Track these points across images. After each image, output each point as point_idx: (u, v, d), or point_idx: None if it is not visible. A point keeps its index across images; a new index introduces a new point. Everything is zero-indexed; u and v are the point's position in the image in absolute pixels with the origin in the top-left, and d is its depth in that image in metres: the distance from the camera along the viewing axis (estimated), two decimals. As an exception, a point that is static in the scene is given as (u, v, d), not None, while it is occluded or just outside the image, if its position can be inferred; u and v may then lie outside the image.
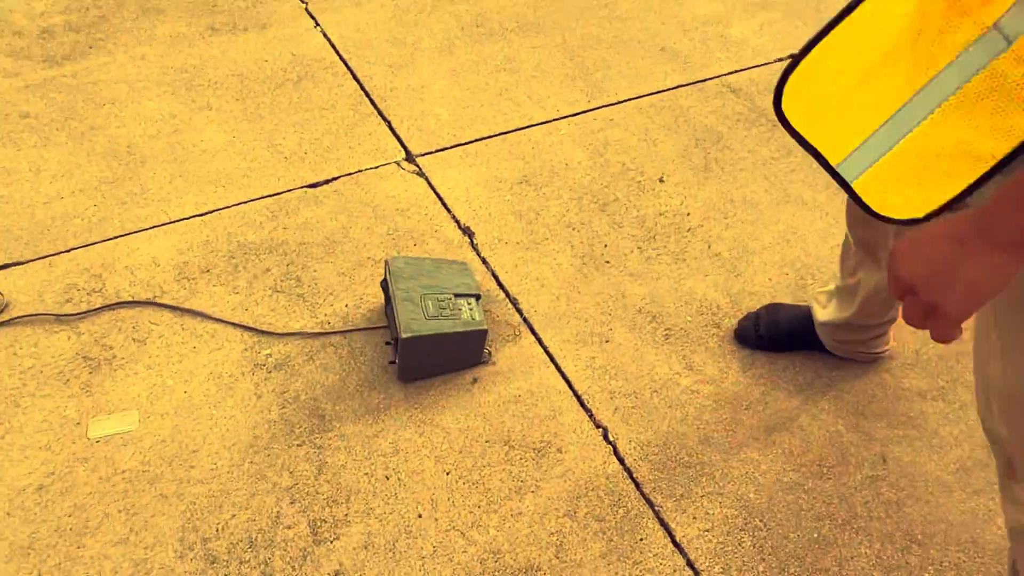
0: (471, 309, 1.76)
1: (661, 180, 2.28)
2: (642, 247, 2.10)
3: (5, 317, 1.89)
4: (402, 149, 2.37)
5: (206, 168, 2.27)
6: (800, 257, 2.08)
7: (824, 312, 1.76)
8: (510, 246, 2.10)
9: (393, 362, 1.79)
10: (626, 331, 1.91)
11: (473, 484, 1.63)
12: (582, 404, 1.77)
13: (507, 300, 1.97)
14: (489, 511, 1.59)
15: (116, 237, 2.09)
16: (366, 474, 1.64)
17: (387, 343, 1.86)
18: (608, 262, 2.06)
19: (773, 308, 1.90)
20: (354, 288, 1.98)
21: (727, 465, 1.67)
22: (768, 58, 2.72)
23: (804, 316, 1.84)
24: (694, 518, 1.59)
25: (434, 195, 2.23)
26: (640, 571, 1.51)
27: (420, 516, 1.58)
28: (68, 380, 1.78)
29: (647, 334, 1.90)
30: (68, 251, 2.05)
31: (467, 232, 2.13)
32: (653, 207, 2.21)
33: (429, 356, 1.76)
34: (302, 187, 2.24)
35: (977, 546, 1.56)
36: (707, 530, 1.57)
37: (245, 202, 2.19)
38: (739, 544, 1.56)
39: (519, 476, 1.65)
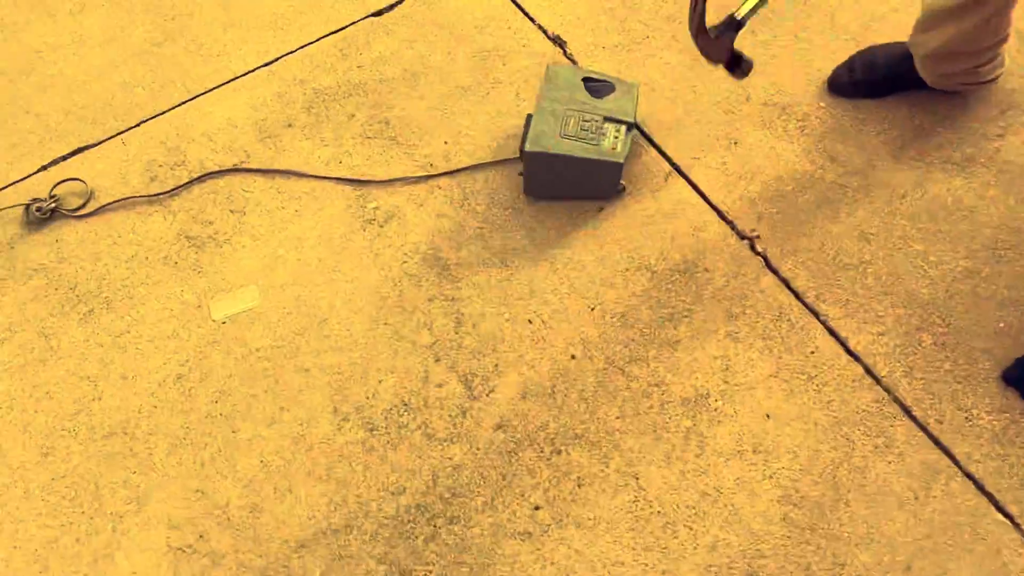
0: (616, 138, 1.59)
1: None
2: (755, 29, 1.88)
3: (93, 206, 1.78)
4: None
5: (258, 12, 2.06)
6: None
7: (928, 40, 1.54)
8: (609, 50, 1.89)
9: (522, 173, 1.66)
10: (755, 129, 1.73)
11: (621, 317, 1.54)
12: (721, 216, 1.63)
13: (619, 112, 1.79)
14: (644, 343, 1.51)
15: (184, 103, 1.93)
16: (507, 320, 1.56)
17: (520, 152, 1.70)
18: (721, 53, 1.85)
19: (869, 50, 1.74)
20: (449, 122, 1.82)
21: (892, 261, 1.54)
22: None
23: (903, 53, 1.64)
24: (864, 323, 1.49)
25: (512, 5, 2.00)
26: (816, 386, 1.43)
27: (573, 357, 1.51)
28: (176, 263, 1.70)
29: (779, 129, 1.73)
30: (138, 125, 1.91)
31: (558, 42, 1.92)
32: (760, -18, 1.95)
33: (556, 176, 1.63)
34: (367, 16, 2.02)
35: None
36: (881, 334, 1.47)
37: (310, 43, 1.99)
38: (919, 344, 1.45)
39: (668, 303, 1.55)
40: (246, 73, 1.96)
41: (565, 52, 1.90)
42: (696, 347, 1.49)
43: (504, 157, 1.75)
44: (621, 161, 1.58)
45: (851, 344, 1.46)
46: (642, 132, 1.74)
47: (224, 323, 1.61)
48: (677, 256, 1.59)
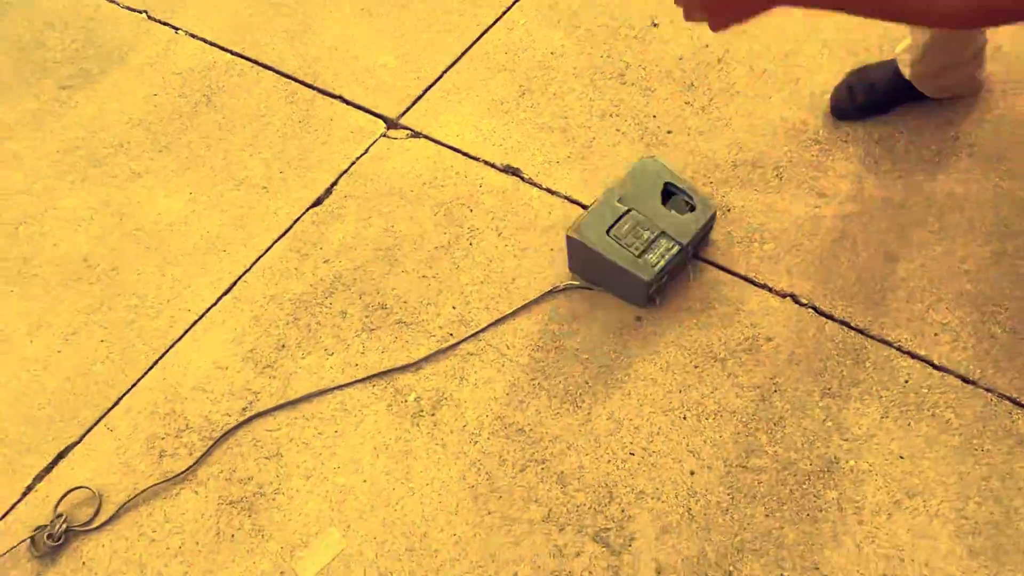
0: (661, 255, 1.57)
1: (655, 24, 2.10)
2: (690, 100, 1.94)
3: (109, 510, 1.59)
4: (377, 119, 2.08)
5: (188, 243, 1.93)
6: (842, 35, 1.97)
7: (918, 67, 1.69)
8: (563, 163, 1.90)
9: None
10: (739, 191, 1.78)
11: (715, 414, 1.52)
12: (753, 283, 1.65)
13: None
14: (751, 431, 1.49)
15: (156, 362, 1.77)
16: (609, 462, 1.50)
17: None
18: (671, 132, 1.90)
19: (861, 73, 1.82)
20: (447, 286, 1.76)
21: (925, 270, 1.61)
22: None
23: (894, 70, 1.75)
24: (935, 335, 1.53)
25: (449, 150, 1.98)
26: (928, 411, 1.45)
27: (692, 473, 1.47)
28: (233, 535, 1.53)
29: (759, 183, 1.78)
30: (116, 403, 1.73)
31: (512, 171, 1.91)
32: (669, 55, 2.03)
33: (593, 265, 1.63)
34: (307, 209, 1.94)
35: None
36: (955, 340, 1.52)
37: (261, 255, 1.89)
38: (992, 337, 1.51)
39: (751, 383, 1.54)
40: (208, 309, 1.83)
41: (523, 178, 1.89)
42: (800, 416, 1.49)
43: (521, 301, 1.70)
44: (646, 279, 1.56)
45: (935, 359, 1.50)
46: (699, 256, 1.71)
47: (319, 581, 1.46)
48: (735, 336, 1.59)
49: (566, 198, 1.84)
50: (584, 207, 1.81)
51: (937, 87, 1.72)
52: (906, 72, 1.72)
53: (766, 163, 1.80)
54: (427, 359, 1.67)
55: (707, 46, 2.02)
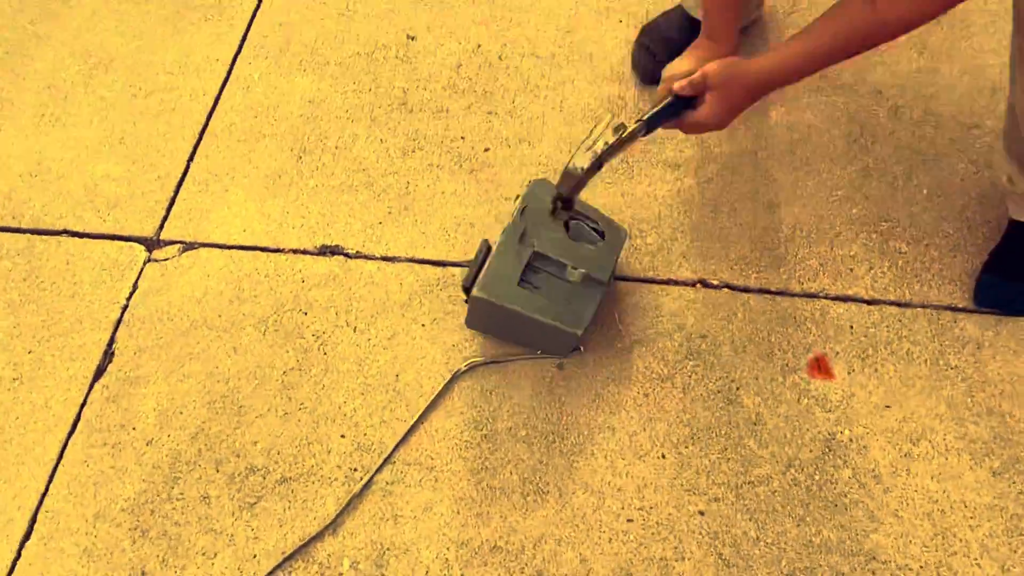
0: (586, 300, 1.33)
1: (411, 38, 1.85)
2: (491, 109, 1.73)
3: None
4: (131, 243, 1.64)
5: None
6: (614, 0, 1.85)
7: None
8: (388, 222, 1.62)
9: (467, 300, 1.35)
10: (592, 187, 1.60)
11: (692, 440, 1.35)
12: (657, 282, 1.50)
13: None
14: (736, 442, 1.34)
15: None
16: (609, 541, 1.28)
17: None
18: (488, 148, 1.68)
19: (651, 29, 1.72)
20: (320, 415, 1.42)
21: (808, 208, 1.55)
22: None
23: (681, 15, 1.68)
24: (851, 270, 1.48)
25: (241, 251, 1.61)
26: (888, 349, 1.39)
27: (702, 513, 1.29)
28: None
29: (608, 173, 1.62)
30: None
31: (331, 251, 1.59)
32: (444, 66, 1.80)
33: (503, 323, 1.36)
34: (91, 385, 1.49)
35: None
36: (871, 268, 1.47)
37: (54, 469, 1.41)
38: (900, 252, 1.48)
39: (706, 388, 1.39)
40: (11, 569, 1.33)
41: (348, 255, 1.58)
42: (775, 405, 1.36)
43: (419, 400, 1.41)
44: (579, 332, 1.33)
45: (864, 295, 1.44)
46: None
47: None
48: (668, 346, 1.43)
49: (410, 260, 1.56)
50: (436, 264, 1.54)
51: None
52: (694, 13, 1.64)
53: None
54: (342, 512, 1.33)
55: (479, 46, 1.81)
